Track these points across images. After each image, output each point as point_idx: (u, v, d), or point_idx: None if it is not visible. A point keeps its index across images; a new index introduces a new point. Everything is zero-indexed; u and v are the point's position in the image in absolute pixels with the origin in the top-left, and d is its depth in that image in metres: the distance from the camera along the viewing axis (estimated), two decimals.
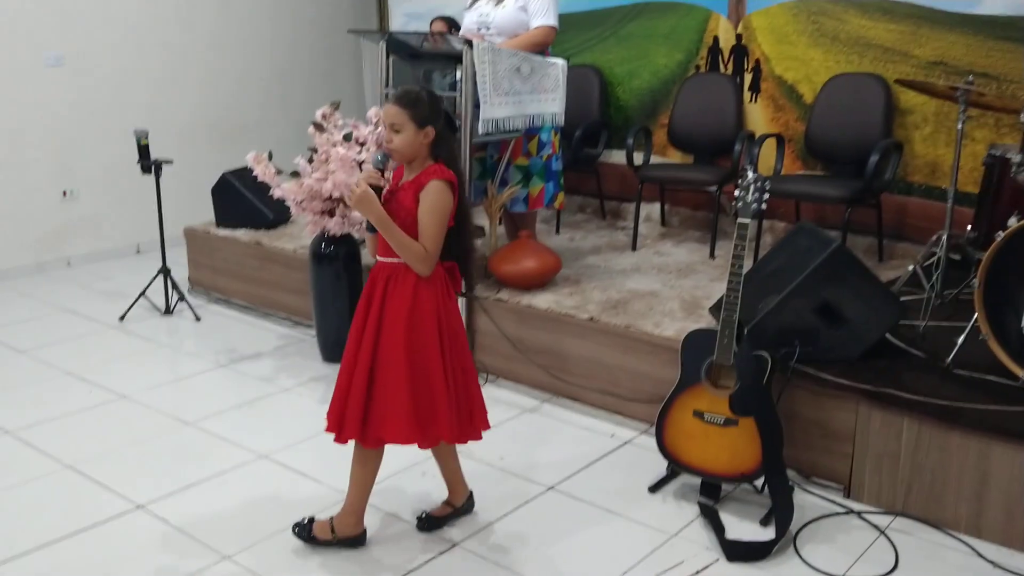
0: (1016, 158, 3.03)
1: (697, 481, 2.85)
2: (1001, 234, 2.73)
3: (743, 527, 2.67)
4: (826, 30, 4.30)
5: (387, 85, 3.89)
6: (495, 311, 3.72)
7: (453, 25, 5.20)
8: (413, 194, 2.38)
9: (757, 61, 4.57)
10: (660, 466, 2.94)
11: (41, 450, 3.16)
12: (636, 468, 3.03)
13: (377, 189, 2.36)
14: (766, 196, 2.72)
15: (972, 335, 2.84)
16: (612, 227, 5.04)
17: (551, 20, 3.85)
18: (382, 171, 2.43)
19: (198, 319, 4.54)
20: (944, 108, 3.98)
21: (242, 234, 4.81)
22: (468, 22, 4.02)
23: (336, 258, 3.92)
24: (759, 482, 2.77)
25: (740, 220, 2.72)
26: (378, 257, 2.48)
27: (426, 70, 3.94)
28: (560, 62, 3.82)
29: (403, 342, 2.41)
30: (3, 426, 3.34)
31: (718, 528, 2.64)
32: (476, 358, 3.76)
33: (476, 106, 3.56)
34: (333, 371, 3.84)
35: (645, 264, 4.25)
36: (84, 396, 3.59)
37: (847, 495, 2.85)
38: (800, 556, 2.53)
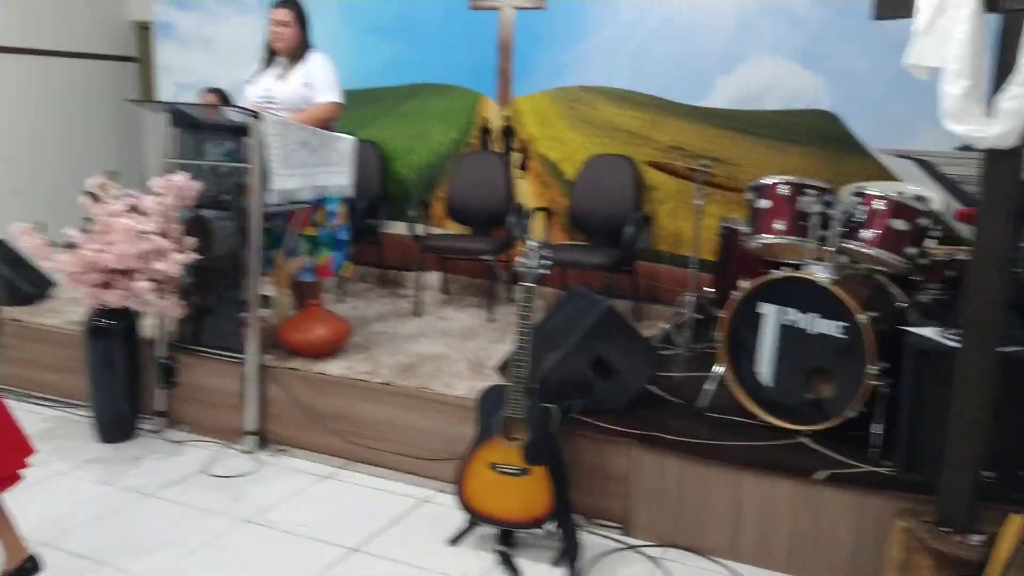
0: (745, 230, 3.59)
1: (493, 530, 3.04)
2: (736, 294, 3.22)
3: (537, 569, 2.89)
4: (582, 115, 4.82)
5: (169, 155, 3.85)
6: (287, 380, 3.74)
7: (224, 97, 5.23)
8: None
9: (524, 141, 5.00)
10: (457, 520, 3.10)
11: None
12: (436, 525, 3.17)
13: None
14: (546, 262, 3.02)
15: (717, 381, 3.30)
16: (394, 295, 5.21)
17: (336, 96, 4.02)
18: None
19: None
20: (683, 186, 4.58)
21: None
22: (251, 95, 4.08)
23: (113, 333, 3.77)
24: (551, 526, 3.01)
25: (525, 284, 3.00)
26: None
27: (198, 140, 3.94)
28: (348, 138, 3.98)
29: None
30: None
31: (514, 573, 2.84)
32: (267, 428, 3.77)
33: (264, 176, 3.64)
34: (112, 451, 3.71)
35: (430, 329, 4.45)
36: None
37: (625, 532, 3.16)
38: None
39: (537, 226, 4.68)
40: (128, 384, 3.83)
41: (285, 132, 3.61)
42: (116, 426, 3.83)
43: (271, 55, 4.12)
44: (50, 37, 6.23)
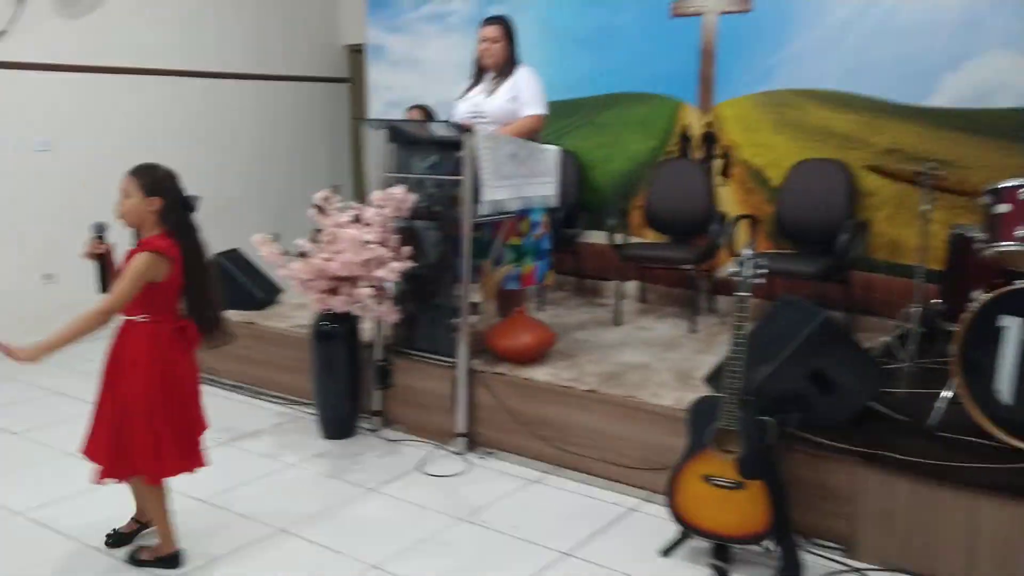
0: (980, 237, 3.34)
1: (706, 544, 2.99)
2: (973, 305, 2.99)
3: None
4: (789, 119, 4.66)
5: (387, 169, 4.07)
6: (495, 385, 3.85)
7: (428, 113, 5.46)
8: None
9: (726, 148, 4.90)
10: (667, 531, 3.07)
11: (57, 530, 3.15)
12: (645, 534, 3.15)
13: (99, 256, 2.80)
14: (761, 271, 2.94)
15: (949, 399, 3.07)
16: (592, 303, 5.25)
17: (541, 109, 4.11)
18: (100, 238, 2.81)
19: None
20: (904, 191, 4.32)
21: (233, 314, 4.88)
22: (461, 111, 4.25)
23: (337, 336, 4.03)
24: (769, 543, 2.92)
25: (739, 293, 2.93)
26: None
27: (410, 154, 4.14)
28: (553, 148, 4.07)
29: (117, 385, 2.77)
30: (11, 507, 3.32)
31: None
32: (475, 431, 3.90)
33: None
34: (335, 447, 3.96)
35: (631, 338, 4.45)
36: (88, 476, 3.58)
37: (847, 553, 3.01)
38: None
39: (741, 234, 4.56)
40: (349, 385, 4.07)
41: (495, 145, 3.73)
42: (338, 424, 4.09)
43: (480, 71, 4.28)
44: (278, 63, 6.78)
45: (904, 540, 2.90)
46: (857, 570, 2.91)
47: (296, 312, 4.90)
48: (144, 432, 2.74)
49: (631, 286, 5.23)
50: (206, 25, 6.25)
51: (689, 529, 2.98)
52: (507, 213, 3.93)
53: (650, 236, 5.13)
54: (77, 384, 4.73)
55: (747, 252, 2.95)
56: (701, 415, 2.97)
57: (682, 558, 3.00)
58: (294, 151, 7.00)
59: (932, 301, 3.73)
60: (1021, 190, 3.02)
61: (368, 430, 4.14)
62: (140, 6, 5.84)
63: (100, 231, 2.80)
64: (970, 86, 4.12)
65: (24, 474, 3.65)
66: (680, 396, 3.51)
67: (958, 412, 3.06)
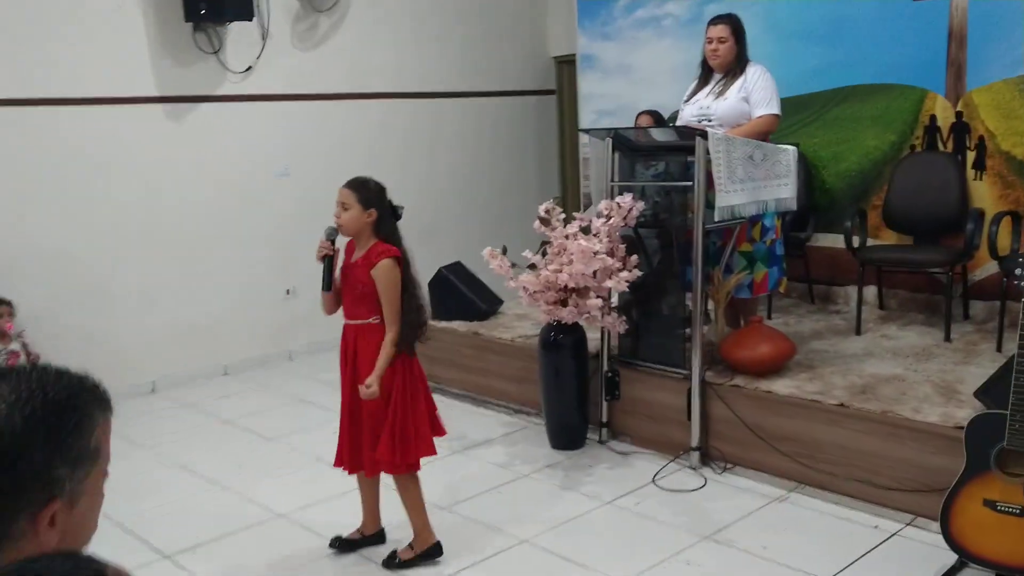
0: None
1: (989, 574, 2.68)
2: None
3: None
4: None
5: (612, 178, 4.01)
6: (731, 398, 3.68)
7: (659, 119, 5.35)
8: (366, 270, 2.85)
9: (981, 138, 4.45)
10: (934, 559, 2.80)
11: (318, 533, 3.32)
12: (911, 561, 2.89)
13: (328, 258, 2.94)
14: None
15: None
16: (824, 311, 4.93)
17: (775, 109, 3.91)
18: (332, 241, 2.96)
19: None
20: None
21: (458, 325, 5.01)
22: (687, 115, 4.11)
23: (565, 346, 4.01)
24: None
25: None
26: (345, 320, 2.97)
27: (630, 161, 4.05)
28: (791, 148, 3.85)
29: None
30: (276, 510, 3.55)
31: None
32: (709, 444, 3.74)
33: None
34: (565, 458, 3.94)
35: (876, 348, 4.12)
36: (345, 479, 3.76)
37: None
38: None
39: (1002, 233, 4.11)
40: (577, 395, 4.04)
41: (729, 147, 3.58)
42: (567, 434, 4.07)
43: (707, 72, 4.13)
44: (488, 79, 6.94)
45: None
46: None
47: (518, 323, 4.94)
48: (401, 425, 2.89)
49: (868, 292, 4.86)
50: (421, 47, 6.49)
51: (969, 558, 2.68)
52: (741, 218, 3.76)
53: (889, 238, 4.75)
54: (319, 394, 5.03)
55: None
56: (980, 434, 2.67)
57: None
58: (504, 165, 7.12)
59: None
60: None
61: (596, 441, 4.09)
62: (361, 35, 6.15)
63: (333, 235, 2.97)
64: None
65: (284, 478, 3.88)
66: (946, 412, 3.19)
67: None
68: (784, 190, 3.82)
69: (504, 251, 4.02)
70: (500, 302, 5.28)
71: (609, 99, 6.25)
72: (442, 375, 5.05)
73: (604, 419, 4.12)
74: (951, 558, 2.75)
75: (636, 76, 6.07)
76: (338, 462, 3.05)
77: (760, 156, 3.70)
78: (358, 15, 6.13)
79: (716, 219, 3.60)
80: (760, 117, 3.89)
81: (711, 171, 3.56)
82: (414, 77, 6.48)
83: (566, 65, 7.12)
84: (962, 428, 3.02)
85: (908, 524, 3.13)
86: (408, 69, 6.44)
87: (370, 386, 2.80)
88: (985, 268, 4.45)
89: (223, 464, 4.05)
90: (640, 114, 5.17)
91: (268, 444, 4.33)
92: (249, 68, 5.62)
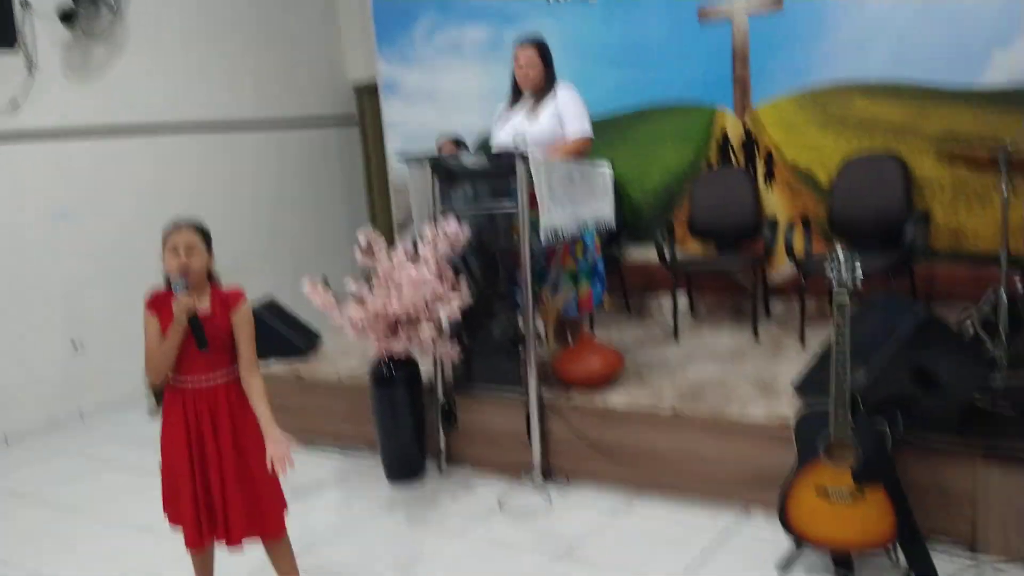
0: None
1: (824, 554, 2.83)
2: None
3: None
4: (833, 115, 4.55)
5: (435, 205, 3.94)
6: (570, 414, 3.70)
7: (461, 144, 5.35)
8: (226, 316, 2.57)
9: (768, 151, 4.79)
10: (775, 547, 2.92)
11: None
12: (755, 551, 3.01)
13: (193, 314, 2.50)
14: (858, 272, 2.80)
15: None
16: (641, 322, 5.10)
17: (587, 129, 4.01)
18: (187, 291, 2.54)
19: None
20: (961, 178, 4.21)
21: (276, 366, 4.73)
22: (502, 137, 4.13)
23: (398, 379, 3.87)
24: (893, 549, 2.76)
25: (838, 299, 2.79)
26: (187, 377, 2.56)
27: (448, 187, 4.01)
28: (606, 167, 3.95)
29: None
30: None
31: None
32: (550, 462, 3.74)
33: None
34: (406, 492, 3.79)
35: (696, 352, 4.30)
36: (170, 545, 3.42)
37: (972, 550, 2.85)
38: None
39: (796, 237, 4.43)
40: (414, 427, 3.92)
41: (549, 169, 3.61)
42: (405, 467, 3.93)
43: (517, 94, 4.17)
44: (284, 107, 6.67)
45: None
46: (988, 564, 2.76)
47: (343, 358, 4.74)
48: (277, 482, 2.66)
49: (681, 300, 5.09)
50: (210, 75, 6.14)
51: (810, 543, 2.82)
52: (565, 238, 3.80)
53: (694, 247, 5.00)
54: (121, 454, 4.57)
55: (841, 253, 2.81)
56: (809, 426, 2.83)
57: (803, 572, 2.84)
58: (310, 197, 6.88)
59: (1016, 285, 3.59)
60: None
61: (435, 471, 3.98)
62: (145, 63, 5.74)
63: (186, 285, 2.53)
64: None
65: (93, 552, 3.47)
66: (771, 409, 3.36)
67: None
68: (602, 208, 3.91)
69: (326, 283, 3.84)
70: (318, 338, 5.05)
71: (415, 126, 6.20)
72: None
73: (442, 448, 4.01)
74: (789, 545, 2.88)
75: (441, 102, 6.06)
76: (197, 541, 2.59)
77: (578, 176, 3.77)
78: (138, 42, 5.70)
79: (541, 239, 3.61)
80: (575, 140, 3.97)
81: (533, 193, 3.58)
82: (204, 107, 6.12)
83: (367, 93, 7.00)
84: (787, 423, 3.21)
85: (744, 519, 3.26)
86: (197, 99, 6.07)
87: (280, 441, 2.51)
88: (781, 270, 4.79)
89: (17, 542, 3.57)
90: (444, 141, 5.15)
91: (68, 516, 3.86)
92: (14, 102, 5.07)
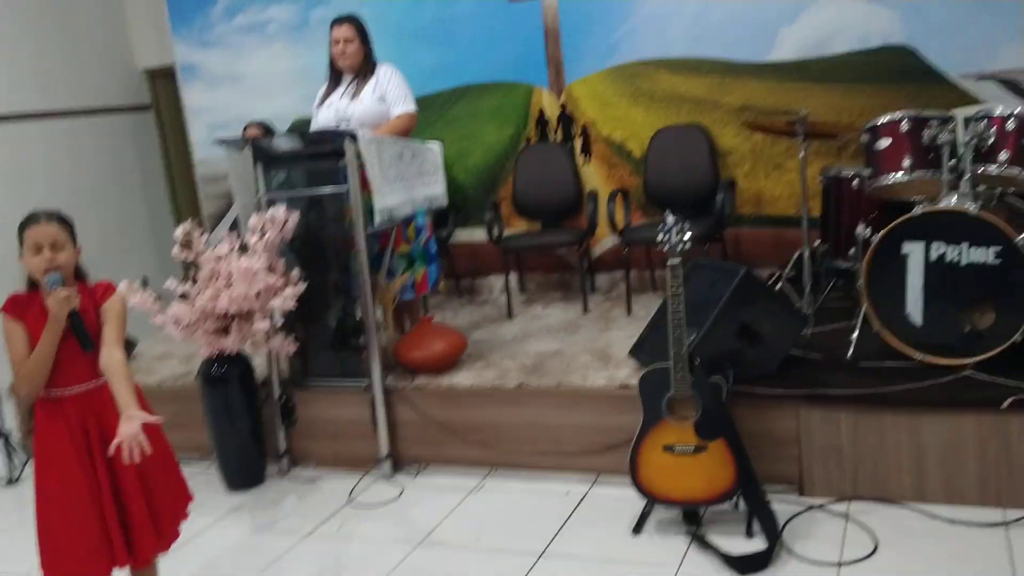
0: (857, 174, 3.54)
1: (675, 512, 2.98)
2: (873, 238, 3.16)
3: (732, 543, 2.82)
4: (642, 91, 4.76)
5: (260, 191, 3.76)
6: (416, 399, 3.66)
7: (269, 129, 5.13)
8: (94, 310, 2.33)
9: (584, 126, 4.93)
10: (628, 510, 3.04)
11: None
12: (608, 516, 3.10)
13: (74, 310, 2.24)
14: (687, 236, 2.94)
15: (848, 332, 3.26)
16: (473, 303, 5.13)
17: (412, 106, 3.96)
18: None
19: None
20: (759, 147, 4.54)
21: None
22: (324, 119, 4.00)
23: (231, 379, 3.68)
24: (735, 500, 2.94)
25: (671, 262, 2.92)
26: (64, 387, 2.29)
27: (267, 172, 3.84)
28: (436, 145, 3.92)
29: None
30: None
31: (715, 550, 2.78)
32: (400, 450, 3.70)
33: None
34: (248, 498, 3.62)
35: (531, 329, 4.38)
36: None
37: (801, 493, 3.10)
38: (796, 554, 2.72)
39: (617, 210, 4.61)
40: (251, 428, 3.74)
41: (380, 148, 3.53)
42: (245, 473, 3.75)
43: (337, 75, 4.05)
44: (65, 97, 6.11)
45: (853, 470, 3.03)
46: (819, 506, 3.00)
47: (161, 363, 4.44)
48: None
49: (510, 279, 5.16)
50: None
51: (658, 501, 2.96)
52: (398, 219, 3.74)
53: (521, 225, 5.09)
54: None
55: (669, 220, 2.94)
56: (651, 385, 2.95)
57: (655, 531, 2.97)
58: (108, 192, 6.36)
59: (815, 244, 3.92)
60: (902, 123, 3.23)
61: (278, 473, 3.83)
62: None
63: (62, 279, 2.24)
64: (808, 37, 4.37)
65: None
66: (611, 374, 3.49)
67: (872, 342, 3.24)
68: (434, 187, 3.89)
69: (145, 284, 3.57)
70: (133, 345, 4.70)
71: (220, 111, 5.87)
72: None
73: (283, 448, 3.86)
74: (641, 504, 3.00)
75: (247, 85, 5.77)
76: (106, 566, 2.31)
77: (409, 155, 3.72)
78: None
79: (376, 222, 3.54)
80: (399, 116, 3.91)
81: (364, 174, 3.49)
82: None
83: (161, 77, 6.53)
84: (626, 387, 3.35)
85: (596, 484, 3.37)
86: None
87: (132, 418, 2.10)
88: (603, 243, 4.96)
89: None
90: (249, 125, 4.93)
91: None
92: None
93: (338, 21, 3.97)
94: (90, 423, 2.30)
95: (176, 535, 2.50)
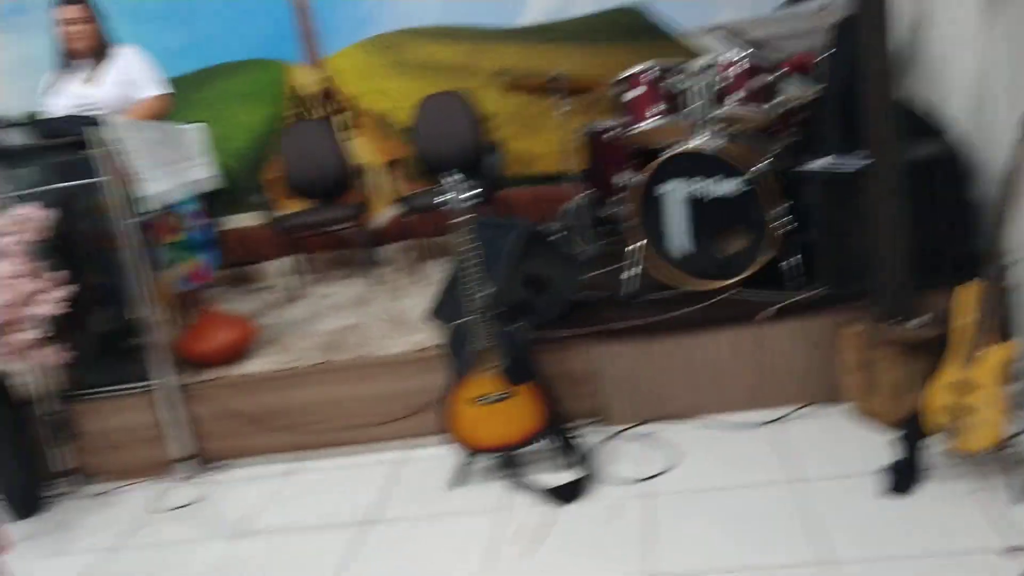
0: (614, 125, 3.81)
1: (493, 460, 3.10)
2: (634, 182, 3.43)
3: (550, 478, 2.99)
4: (401, 60, 4.80)
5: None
6: (210, 393, 3.51)
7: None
8: None
9: (347, 100, 4.89)
10: (444, 468, 3.12)
11: None
12: (429, 477, 3.16)
13: None
14: (472, 192, 3.03)
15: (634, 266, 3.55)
16: (252, 291, 4.96)
17: (164, 87, 3.74)
18: None
19: None
20: (519, 109, 4.74)
21: None
22: (62, 107, 3.68)
23: None
24: (546, 438, 3.11)
25: (460, 219, 3.00)
26: None
27: (11, 170, 3.51)
28: (196, 127, 3.72)
29: None
30: None
31: (535, 487, 2.93)
32: (200, 448, 3.53)
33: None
34: (34, 526, 3.31)
35: (318, 308, 4.32)
36: None
37: (604, 424, 3.34)
38: (608, 477, 2.94)
39: (388, 181, 4.64)
40: (21, 452, 3.40)
41: (137, 131, 3.31)
42: (26, 500, 3.41)
43: (68, 59, 3.73)
44: None
45: (645, 395, 3.30)
46: (618, 433, 3.25)
47: None
48: None
49: (288, 262, 5.04)
50: None
51: (477, 452, 3.06)
52: (167, 207, 3.53)
53: (295, 206, 4.96)
54: None
55: (453, 177, 3.02)
56: (456, 344, 3.04)
57: (475, 482, 3.07)
58: None
59: (582, 195, 4.18)
60: (645, 74, 3.51)
61: (64, 494, 3.52)
62: None
63: None
64: (551, 1, 4.61)
65: None
66: (409, 340, 3.53)
67: (644, 277, 3.53)
68: (200, 171, 3.70)
69: None
70: None
71: None
72: None
73: (64, 467, 3.55)
74: (455, 461, 3.09)
75: None
76: None
77: (169, 137, 3.51)
78: None
79: (150, 209, 3.31)
80: (153, 98, 3.68)
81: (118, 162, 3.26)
82: None
83: None
84: (425, 349, 3.41)
85: (410, 449, 3.41)
86: None
87: None
88: (380, 216, 4.97)
89: None
90: None
91: None
92: None
93: (63, 1, 3.65)
94: None
95: None
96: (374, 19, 4.75)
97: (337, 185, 4.85)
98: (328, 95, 4.90)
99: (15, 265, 3.08)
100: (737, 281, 3.39)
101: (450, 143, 4.69)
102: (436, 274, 3.93)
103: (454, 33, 4.73)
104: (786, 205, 3.29)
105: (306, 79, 4.89)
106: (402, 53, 4.79)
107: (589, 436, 3.23)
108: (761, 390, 3.24)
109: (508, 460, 3.09)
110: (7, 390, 3.41)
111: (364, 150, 4.93)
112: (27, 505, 3.40)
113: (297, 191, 4.90)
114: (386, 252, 5.02)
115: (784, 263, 3.32)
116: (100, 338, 3.59)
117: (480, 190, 3.00)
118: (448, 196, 3.00)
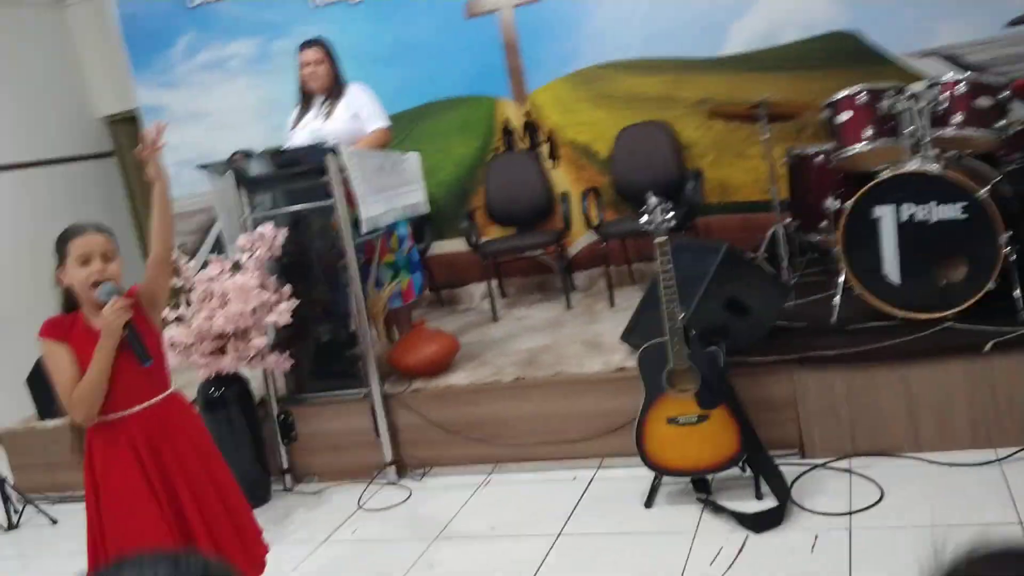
0: (821, 150, 3.71)
1: (685, 482, 3.06)
2: (844, 207, 3.31)
3: (744, 506, 2.91)
4: (603, 93, 4.91)
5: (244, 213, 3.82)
6: (415, 403, 3.72)
7: (251, 156, 5.18)
8: (140, 316, 2.24)
9: (549, 132, 5.07)
10: (637, 487, 3.11)
11: None
12: (617, 495, 3.18)
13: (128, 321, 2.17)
14: (671, 214, 3.06)
15: (829, 300, 3.40)
16: (454, 311, 5.20)
17: (385, 121, 4.05)
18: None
19: (55, 521, 3.98)
20: (721, 137, 4.71)
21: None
22: (299, 141, 4.07)
23: (230, 399, 3.70)
24: (742, 464, 3.04)
25: (657, 240, 3.04)
26: (123, 410, 2.18)
27: (254, 194, 3.91)
28: (413, 155, 4.00)
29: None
30: None
31: (729, 512, 2.86)
32: (403, 455, 3.73)
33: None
34: (258, 515, 3.60)
35: (516, 329, 4.46)
36: None
37: (803, 455, 3.21)
38: (807, 509, 2.83)
39: (591, 208, 4.74)
40: (254, 448, 3.75)
41: (361, 161, 3.61)
42: (250, 491, 3.71)
43: (307, 97, 4.13)
44: (24, 150, 6.10)
45: (852, 427, 3.15)
46: (821, 465, 3.12)
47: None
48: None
49: (488, 286, 5.24)
50: None
51: (667, 473, 3.04)
52: (382, 230, 3.82)
53: (496, 232, 5.18)
54: None
55: (652, 200, 3.06)
56: (650, 364, 3.05)
57: (667, 503, 3.05)
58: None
59: (786, 222, 4.08)
60: (858, 96, 3.40)
61: (282, 491, 3.84)
62: None
63: (118, 290, 2.18)
64: (757, 30, 4.57)
65: None
66: (605, 359, 3.58)
67: (854, 305, 3.38)
68: (414, 195, 3.97)
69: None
70: None
71: (187, 149, 5.86)
72: (68, 480, 4.29)
73: (285, 465, 3.87)
74: (648, 481, 3.08)
75: (212, 121, 5.81)
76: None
77: (389, 165, 3.80)
78: None
79: (364, 230, 3.60)
80: (375, 131, 4.00)
81: (348, 187, 3.57)
82: None
83: (122, 124, 6.55)
84: (623, 370, 3.44)
85: (602, 467, 3.44)
86: None
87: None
88: (578, 243, 5.08)
89: None
90: (234, 155, 4.97)
91: None
92: None
93: (306, 44, 4.07)
94: (156, 442, 2.19)
95: (264, 551, 2.48)
96: (578, 54, 4.90)
97: (538, 212, 5.01)
98: (531, 127, 5.10)
99: (252, 278, 3.43)
100: (958, 311, 3.18)
101: (648, 171, 4.73)
102: (630, 301, 3.96)
103: (656, 65, 4.79)
104: (1009, 233, 3.05)
105: (512, 113, 5.12)
106: (604, 86, 4.91)
107: (786, 467, 3.11)
108: (986, 427, 3.00)
109: (700, 484, 3.05)
110: (245, 392, 3.78)
111: (564, 179, 5.07)
112: (256, 497, 3.73)
113: (499, 218, 5.11)
114: (583, 278, 5.11)
115: (1016, 291, 3.08)
116: (321, 348, 3.91)
117: (674, 212, 3.00)
118: (648, 217, 3.05)
